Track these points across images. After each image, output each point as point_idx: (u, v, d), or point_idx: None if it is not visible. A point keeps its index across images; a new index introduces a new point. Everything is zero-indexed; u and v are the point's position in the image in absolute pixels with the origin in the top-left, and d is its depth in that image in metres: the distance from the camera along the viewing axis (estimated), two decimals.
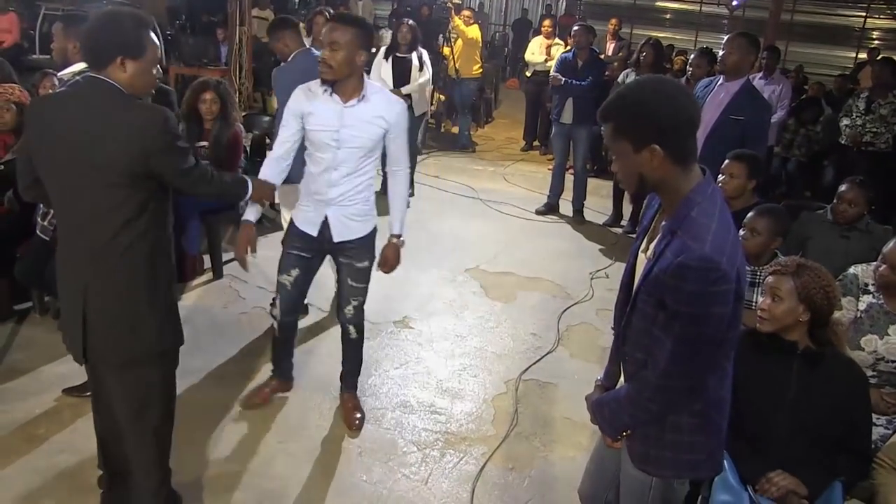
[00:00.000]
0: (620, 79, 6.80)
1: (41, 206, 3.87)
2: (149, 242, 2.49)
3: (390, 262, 3.52)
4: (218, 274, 5.30)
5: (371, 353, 4.37)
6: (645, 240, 2.08)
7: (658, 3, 20.41)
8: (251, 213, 3.37)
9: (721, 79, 4.67)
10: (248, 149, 5.85)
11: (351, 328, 3.63)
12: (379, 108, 3.29)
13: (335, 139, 3.25)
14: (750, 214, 3.33)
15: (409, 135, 7.47)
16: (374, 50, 7.96)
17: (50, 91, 5.10)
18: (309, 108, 3.28)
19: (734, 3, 17.24)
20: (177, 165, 2.46)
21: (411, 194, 7.63)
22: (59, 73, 3.46)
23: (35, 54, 10.36)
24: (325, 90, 3.25)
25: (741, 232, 3.28)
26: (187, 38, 11.98)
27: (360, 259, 3.47)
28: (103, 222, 2.42)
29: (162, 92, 6.37)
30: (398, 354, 4.42)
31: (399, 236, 3.51)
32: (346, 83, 3.21)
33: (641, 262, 2.04)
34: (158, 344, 2.62)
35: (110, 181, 2.35)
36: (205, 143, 5.19)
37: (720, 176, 3.79)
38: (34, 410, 3.62)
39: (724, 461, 2.51)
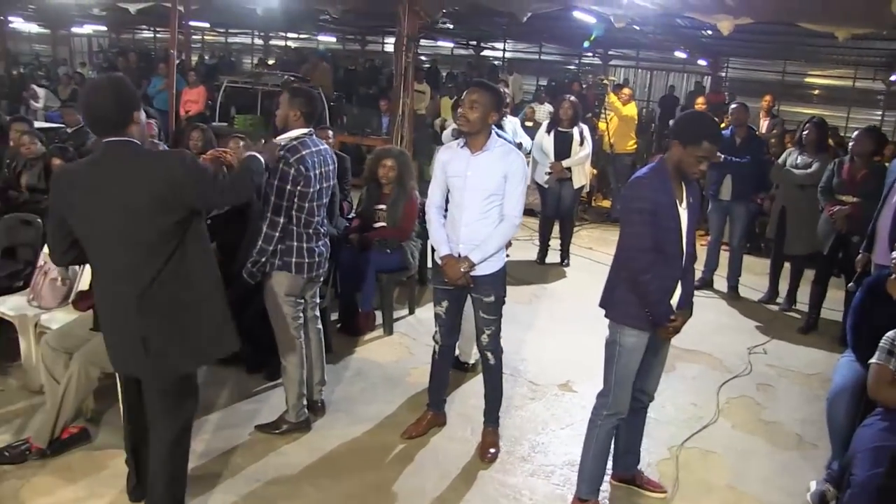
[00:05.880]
0: (782, 158, 6.73)
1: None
2: (188, 268, 2.83)
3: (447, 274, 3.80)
4: (388, 330, 5.62)
5: (538, 413, 4.55)
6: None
7: (807, 80, 19.73)
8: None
9: None
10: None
11: (488, 354, 3.96)
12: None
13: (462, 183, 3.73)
14: None
15: (566, 205, 7.65)
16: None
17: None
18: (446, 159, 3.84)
19: (892, 77, 16.51)
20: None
21: (566, 264, 7.82)
22: (277, 138, 3.85)
23: (215, 121, 11.33)
24: (460, 143, 3.79)
25: None
26: (350, 108, 12.72)
27: (487, 294, 3.81)
28: (145, 268, 2.76)
29: (339, 157, 6.87)
30: (564, 415, 4.56)
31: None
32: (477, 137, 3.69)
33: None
34: (219, 352, 3.07)
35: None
36: (382, 206, 5.58)
37: None
38: (231, 442, 3.98)
39: None
